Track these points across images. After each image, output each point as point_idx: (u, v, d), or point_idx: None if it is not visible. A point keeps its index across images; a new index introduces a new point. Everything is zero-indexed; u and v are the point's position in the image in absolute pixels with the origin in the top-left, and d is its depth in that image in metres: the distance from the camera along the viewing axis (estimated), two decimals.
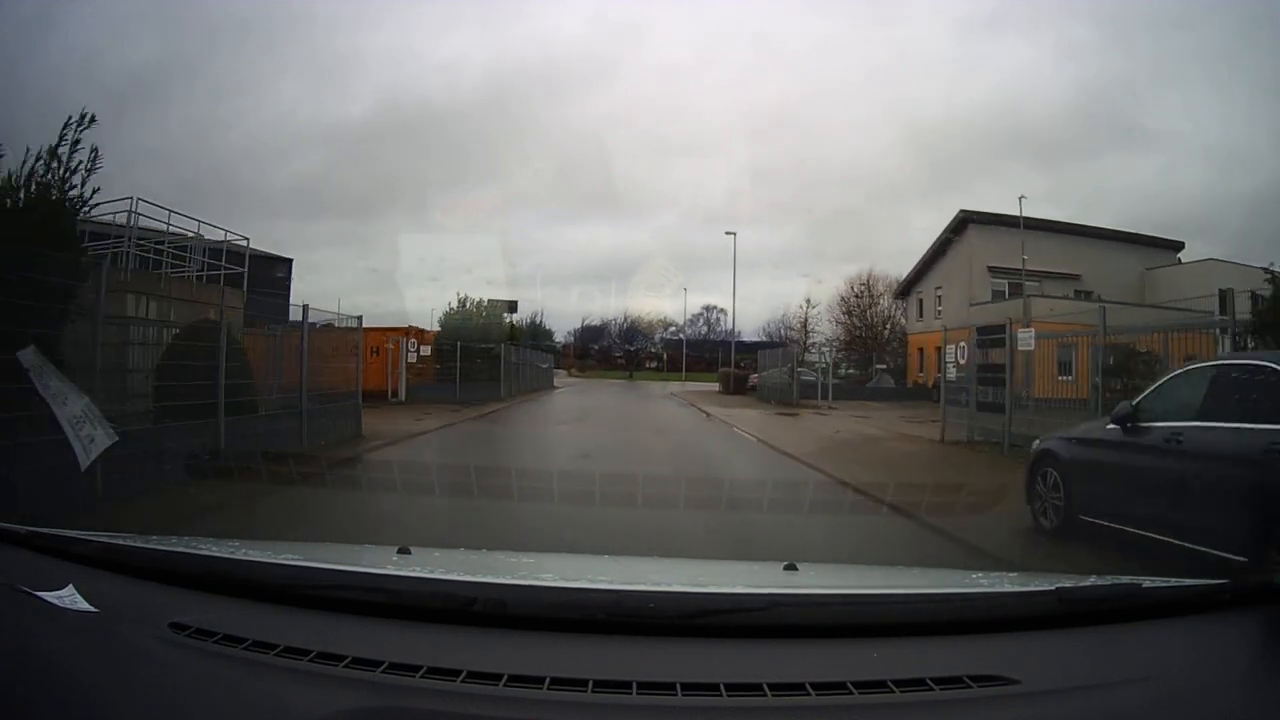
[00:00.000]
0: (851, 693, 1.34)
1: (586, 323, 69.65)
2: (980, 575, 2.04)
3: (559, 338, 66.47)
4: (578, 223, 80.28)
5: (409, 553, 2.10)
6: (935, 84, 50.15)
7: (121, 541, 1.93)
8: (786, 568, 2.07)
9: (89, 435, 5.07)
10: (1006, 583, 1.95)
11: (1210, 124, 44.52)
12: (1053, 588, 1.65)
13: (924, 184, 54.76)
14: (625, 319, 67.80)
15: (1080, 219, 34.39)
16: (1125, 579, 1.71)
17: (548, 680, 1.34)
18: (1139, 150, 44.69)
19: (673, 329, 67.50)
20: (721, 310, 66.73)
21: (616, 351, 68.86)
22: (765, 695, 1.33)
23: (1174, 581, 1.77)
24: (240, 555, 1.92)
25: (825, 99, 53.02)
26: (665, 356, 65.64)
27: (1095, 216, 47.90)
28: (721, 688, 1.34)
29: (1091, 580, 1.75)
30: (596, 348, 70.51)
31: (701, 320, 68.05)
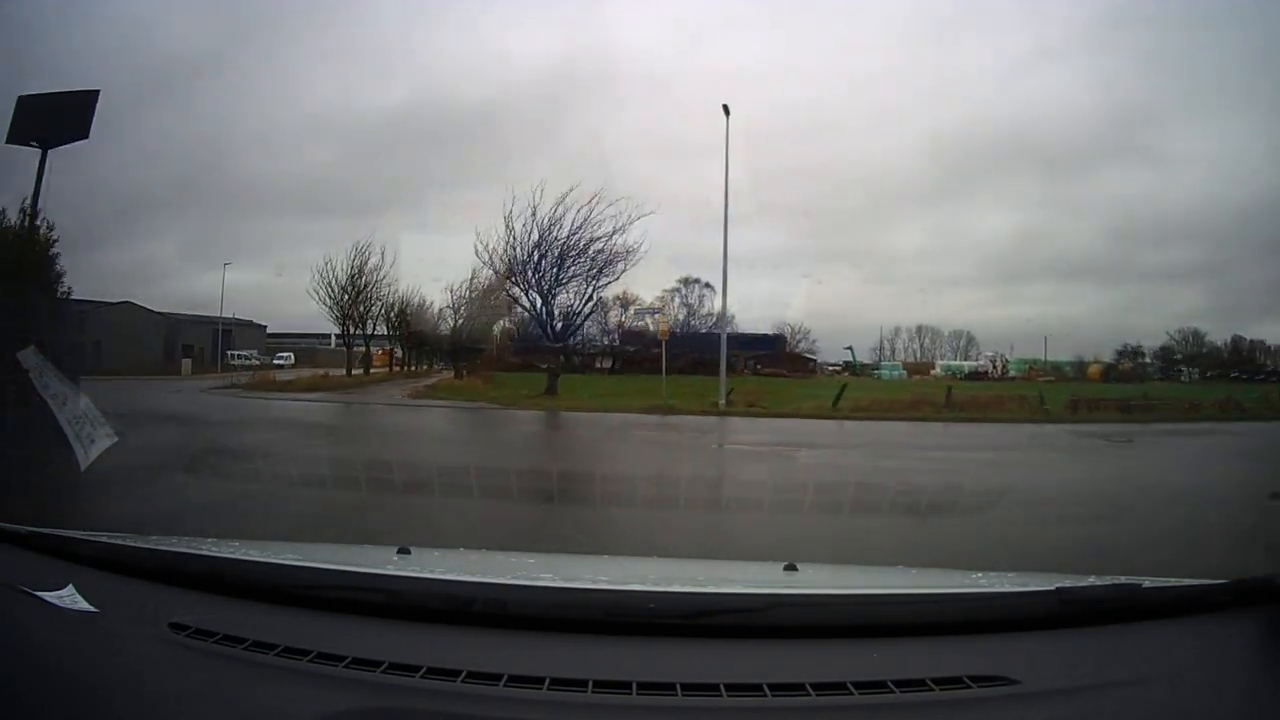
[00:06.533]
0: (851, 693, 1.34)
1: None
2: (980, 575, 2.03)
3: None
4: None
5: (409, 553, 2.09)
6: (962, 105, 49.38)
7: (122, 542, 1.93)
8: (786, 568, 2.06)
9: (89, 436, 5.07)
10: (1006, 583, 1.95)
11: (1211, 145, 44.07)
12: (1052, 588, 1.64)
13: (926, 189, 53.82)
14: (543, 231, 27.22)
15: (1072, 224, 30.88)
16: (1125, 579, 1.71)
17: (547, 680, 1.34)
18: (1141, 165, 44.43)
19: (642, 307, 35.55)
20: (708, 286, 36.93)
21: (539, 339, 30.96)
22: (765, 695, 1.33)
23: (1174, 581, 1.77)
24: (240, 555, 1.92)
25: (846, 110, 51.65)
26: (664, 340, 28.88)
27: (1085, 221, 47.07)
28: (721, 688, 1.34)
29: (1091, 580, 1.75)
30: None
31: (678, 300, 37.71)
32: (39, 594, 1.62)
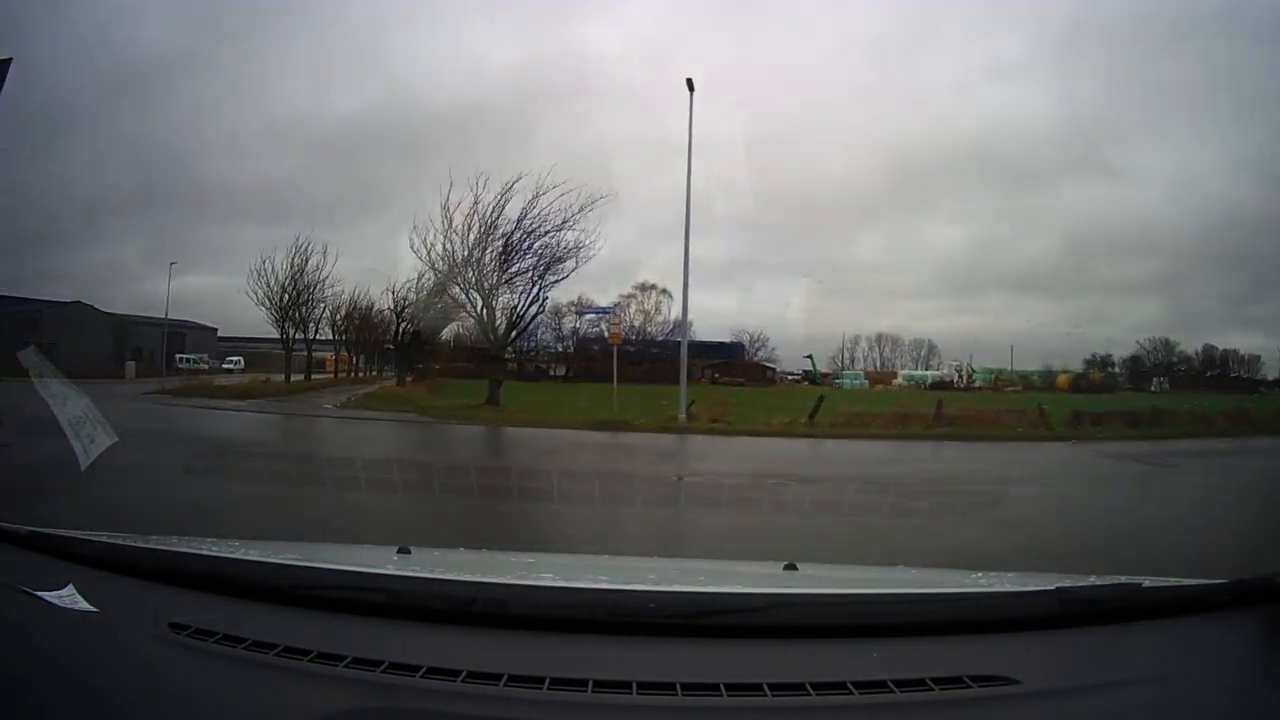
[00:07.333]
0: (851, 693, 1.34)
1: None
2: (980, 575, 2.03)
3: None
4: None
5: (409, 552, 2.10)
6: (925, 119, 50.28)
7: (122, 541, 1.93)
8: (786, 568, 2.07)
9: (89, 436, 5.08)
10: (1006, 582, 1.95)
11: (1168, 161, 44.52)
12: (1053, 588, 1.64)
13: (888, 201, 54.02)
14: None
15: (1031, 237, 30.56)
16: (1125, 579, 1.71)
17: (548, 680, 1.34)
18: (1099, 180, 45.11)
19: (594, 306, 32.29)
20: (665, 292, 37.71)
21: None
22: (765, 695, 1.33)
23: (1174, 581, 1.77)
24: (240, 555, 1.92)
25: (810, 124, 51.98)
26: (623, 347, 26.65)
27: (1044, 234, 47.20)
28: (721, 688, 1.34)
29: (1091, 580, 1.75)
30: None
31: (634, 307, 37.62)
32: (39, 594, 1.62)
